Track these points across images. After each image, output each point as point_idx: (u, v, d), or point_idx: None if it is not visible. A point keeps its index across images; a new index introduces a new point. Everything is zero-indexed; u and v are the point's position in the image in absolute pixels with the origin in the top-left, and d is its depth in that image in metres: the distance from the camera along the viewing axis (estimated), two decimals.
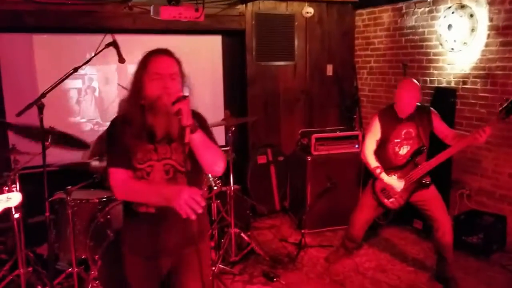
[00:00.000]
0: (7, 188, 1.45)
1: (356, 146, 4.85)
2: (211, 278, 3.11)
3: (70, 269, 3.39)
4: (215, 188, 3.72)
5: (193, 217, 1.74)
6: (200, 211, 1.76)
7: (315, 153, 4.71)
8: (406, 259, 4.10)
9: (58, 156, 3.90)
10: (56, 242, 3.53)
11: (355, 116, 5.75)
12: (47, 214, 3.07)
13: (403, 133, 3.53)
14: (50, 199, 3.22)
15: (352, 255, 4.12)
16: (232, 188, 4.00)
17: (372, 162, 3.59)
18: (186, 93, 1.95)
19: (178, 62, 1.98)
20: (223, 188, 3.94)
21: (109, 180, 2.00)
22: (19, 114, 2.86)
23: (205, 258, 2.15)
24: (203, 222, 2.12)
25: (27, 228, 3.54)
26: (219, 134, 4.80)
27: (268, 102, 5.53)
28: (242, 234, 4.07)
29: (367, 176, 3.93)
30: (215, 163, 1.98)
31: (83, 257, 3.45)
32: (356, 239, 3.94)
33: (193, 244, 1.91)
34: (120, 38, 3.04)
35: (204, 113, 2.12)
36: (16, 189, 1.46)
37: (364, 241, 4.28)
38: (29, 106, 2.88)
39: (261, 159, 5.37)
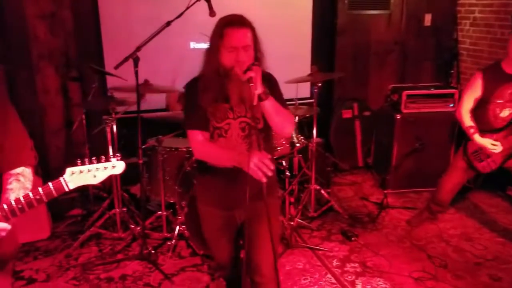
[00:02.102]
0: (112, 156, 1.53)
1: (451, 105, 4.54)
2: (279, 231, 3.19)
3: (160, 212, 3.64)
4: (298, 145, 3.70)
5: (264, 180, 1.86)
6: (270, 174, 1.86)
7: (405, 110, 4.50)
8: (496, 228, 3.88)
9: (153, 101, 4.12)
10: (147, 185, 3.77)
11: (452, 72, 5.33)
12: (140, 161, 3.31)
13: (508, 93, 3.24)
14: (143, 146, 3.41)
15: (437, 220, 3.96)
16: (315, 142, 3.97)
17: (467, 120, 3.36)
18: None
19: (252, 30, 2.03)
20: (306, 143, 3.92)
21: (188, 140, 2.15)
22: (116, 67, 3.02)
23: (273, 212, 2.26)
24: (272, 179, 2.17)
25: None
26: (304, 87, 4.72)
27: (357, 54, 5.29)
28: (322, 191, 4.07)
29: (460, 138, 3.70)
30: (284, 126, 2.09)
31: (171, 201, 3.67)
32: (443, 202, 3.77)
33: (263, 199, 1.99)
34: None
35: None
36: (120, 158, 1.54)
37: (450, 206, 4.07)
38: (125, 59, 3.03)
39: (346, 114, 5.24)
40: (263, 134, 2.10)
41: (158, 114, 3.98)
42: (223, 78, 2.04)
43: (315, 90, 3.92)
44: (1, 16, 4.08)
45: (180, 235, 3.55)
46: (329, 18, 5.21)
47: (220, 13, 3.21)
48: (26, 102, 4.19)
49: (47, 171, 4.09)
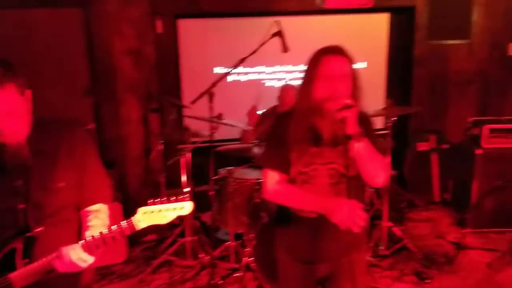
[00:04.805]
0: (180, 197, 1.60)
1: None
2: None
3: (229, 243, 3.70)
4: None
5: (357, 230, 1.71)
6: (362, 224, 1.72)
7: (487, 145, 4.24)
8: None
9: (226, 133, 4.26)
10: (217, 214, 3.86)
11: None
12: (211, 192, 3.41)
13: None
14: (214, 177, 3.52)
15: None
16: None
17: None
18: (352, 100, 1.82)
19: (350, 62, 1.86)
20: None
21: (262, 178, 2.03)
22: (193, 102, 3.17)
23: (361, 269, 2.10)
24: (362, 232, 2.01)
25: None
26: (378, 118, 4.64)
27: (435, 85, 5.12)
28: (395, 228, 3.92)
29: None
30: (376, 175, 1.90)
31: (240, 232, 3.72)
32: None
33: (351, 253, 1.89)
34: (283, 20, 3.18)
35: (363, 96, 1.97)
36: (189, 199, 1.61)
37: None
38: (201, 95, 3.17)
39: (422, 146, 5.04)
40: (353, 183, 1.88)
41: (231, 146, 4.09)
42: (314, 114, 1.86)
43: (389, 124, 3.83)
44: (91, 51, 4.46)
45: (248, 267, 3.58)
46: (406, 48, 5.12)
47: (293, 48, 3.33)
48: (111, 132, 4.51)
49: (127, 196, 4.34)
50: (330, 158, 1.90)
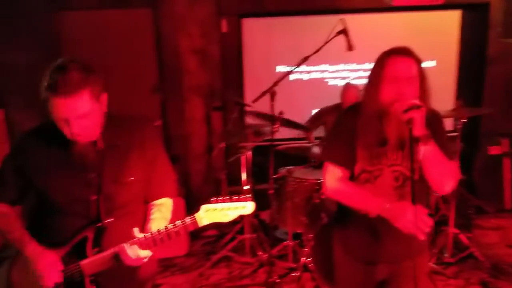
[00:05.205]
0: (242, 197, 1.63)
1: None
2: None
3: (287, 242, 3.71)
4: None
5: (422, 237, 1.67)
6: (428, 230, 1.68)
7: None
8: None
9: (287, 132, 4.27)
10: (276, 213, 3.88)
11: None
12: (271, 191, 3.43)
13: None
14: (274, 176, 3.54)
15: None
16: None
17: None
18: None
19: (417, 63, 1.80)
20: None
21: (323, 172, 1.99)
22: (254, 101, 3.20)
23: (423, 274, 2.05)
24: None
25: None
26: (447, 119, 4.46)
27: (509, 85, 4.81)
28: (462, 235, 3.75)
29: None
30: (443, 181, 1.82)
31: (298, 231, 3.71)
32: None
33: (413, 258, 1.84)
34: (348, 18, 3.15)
35: (431, 97, 1.86)
36: (251, 199, 1.63)
37: None
38: (263, 94, 3.20)
39: (493, 150, 4.79)
40: (418, 187, 1.78)
41: (291, 145, 4.09)
42: (381, 116, 1.83)
43: (459, 126, 3.66)
44: (159, 51, 4.63)
45: (305, 267, 3.57)
46: (478, 46, 4.87)
47: (358, 46, 3.28)
48: (175, 129, 4.66)
49: (189, 192, 4.48)
50: (396, 161, 1.86)
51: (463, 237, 3.76)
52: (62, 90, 1.55)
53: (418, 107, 1.69)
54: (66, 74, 1.56)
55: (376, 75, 1.82)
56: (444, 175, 1.81)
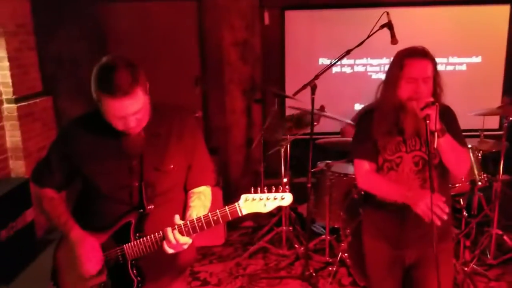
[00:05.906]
0: (281, 188, 1.65)
1: None
2: (451, 277, 2.90)
3: (324, 236, 3.70)
4: (479, 183, 3.37)
5: (438, 222, 1.84)
6: (444, 217, 1.84)
7: None
8: None
9: (327, 126, 4.26)
10: (314, 207, 3.87)
11: None
12: (309, 185, 3.43)
13: None
14: (312, 169, 3.53)
15: None
16: (500, 181, 3.57)
17: None
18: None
19: (433, 63, 1.99)
20: (490, 181, 3.55)
21: (354, 169, 2.19)
22: (295, 93, 3.20)
23: (445, 258, 2.11)
24: (447, 223, 2.04)
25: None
26: (493, 117, 4.31)
27: None
28: (505, 237, 3.62)
29: None
30: (458, 165, 2.05)
31: (336, 226, 3.70)
32: None
33: (437, 244, 1.90)
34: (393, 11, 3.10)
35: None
36: (289, 190, 1.66)
37: None
38: (303, 87, 3.19)
39: None
40: (438, 170, 2.04)
41: (331, 139, 4.06)
42: (399, 111, 2.02)
43: (505, 124, 3.53)
44: (202, 43, 4.70)
45: (342, 262, 3.56)
46: None
47: (403, 40, 3.22)
48: (216, 120, 4.72)
49: (227, 182, 4.53)
50: (415, 146, 2.05)
51: (506, 239, 3.65)
52: (118, 92, 1.59)
53: (433, 103, 1.87)
54: (117, 74, 1.60)
55: (394, 75, 2.00)
56: (458, 161, 2.03)
